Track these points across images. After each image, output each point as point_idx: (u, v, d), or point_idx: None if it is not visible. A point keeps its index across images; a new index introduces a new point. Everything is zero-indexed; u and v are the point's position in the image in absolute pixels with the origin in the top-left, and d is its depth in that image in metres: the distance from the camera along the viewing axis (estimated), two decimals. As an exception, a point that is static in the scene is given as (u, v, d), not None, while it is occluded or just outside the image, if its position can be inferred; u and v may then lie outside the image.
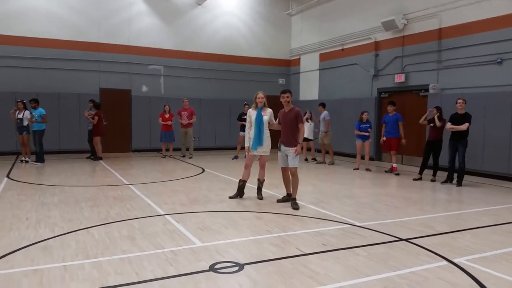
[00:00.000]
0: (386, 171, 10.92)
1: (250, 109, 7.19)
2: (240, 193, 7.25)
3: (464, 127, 8.68)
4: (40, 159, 11.49)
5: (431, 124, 9.60)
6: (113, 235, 4.92)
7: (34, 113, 11.45)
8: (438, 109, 9.61)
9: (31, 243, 4.59)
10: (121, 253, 4.29)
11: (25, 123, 11.47)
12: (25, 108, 11.53)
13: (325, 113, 12.39)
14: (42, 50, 13.57)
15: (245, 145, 7.15)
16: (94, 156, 12.78)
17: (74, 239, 4.78)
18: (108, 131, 13.29)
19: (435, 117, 9.47)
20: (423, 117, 9.90)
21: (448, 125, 8.96)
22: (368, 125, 11.21)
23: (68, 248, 4.43)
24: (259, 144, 6.98)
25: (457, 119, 8.86)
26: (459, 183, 8.88)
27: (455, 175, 9.03)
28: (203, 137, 15.80)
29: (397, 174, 10.47)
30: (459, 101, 8.87)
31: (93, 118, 12.39)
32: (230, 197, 7.20)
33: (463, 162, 8.83)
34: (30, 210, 6.17)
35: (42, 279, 3.63)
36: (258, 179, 7.28)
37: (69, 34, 13.93)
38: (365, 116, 11.23)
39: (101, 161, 12.34)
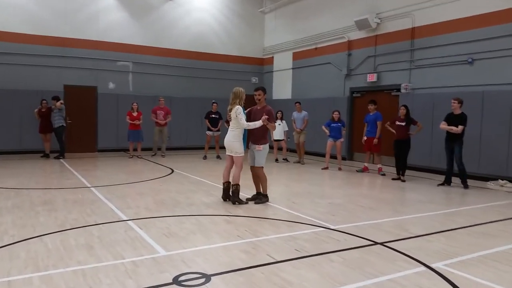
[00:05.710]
0: (357, 171, 10.81)
1: (240, 107, 6.48)
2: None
3: (459, 130, 8.44)
4: None
5: (399, 123, 9.42)
6: (69, 244, 4.51)
7: None
8: (406, 107, 9.52)
9: (-25, 254, 4.14)
10: (75, 265, 3.89)
11: None
12: None
13: (305, 113, 12.35)
14: (2, 44, 12.78)
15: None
16: (62, 155, 12.32)
17: (25, 248, 4.34)
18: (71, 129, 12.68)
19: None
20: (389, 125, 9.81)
21: (442, 125, 8.65)
22: (340, 124, 11.06)
23: (16, 260, 4.00)
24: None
25: (452, 119, 8.62)
26: (465, 185, 8.66)
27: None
28: (174, 137, 15.30)
29: (383, 175, 10.21)
30: (452, 101, 8.63)
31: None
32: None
33: (461, 163, 8.63)
34: (-21, 216, 5.66)
35: (-19, 297, 3.22)
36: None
37: (32, 27, 13.18)
38: (335, 115, 11.08)
39: (63, 161, 11.78)
